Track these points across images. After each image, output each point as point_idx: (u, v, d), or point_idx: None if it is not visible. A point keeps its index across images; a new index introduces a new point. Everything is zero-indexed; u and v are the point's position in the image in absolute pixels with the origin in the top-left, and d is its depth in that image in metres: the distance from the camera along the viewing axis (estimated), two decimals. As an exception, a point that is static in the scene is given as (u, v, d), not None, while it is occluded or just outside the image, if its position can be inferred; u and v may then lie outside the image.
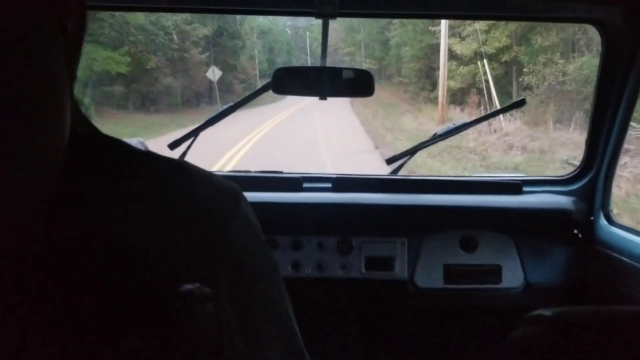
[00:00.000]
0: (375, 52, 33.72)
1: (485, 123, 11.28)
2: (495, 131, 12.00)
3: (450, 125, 1.83)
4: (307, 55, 57.80)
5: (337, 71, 1.66)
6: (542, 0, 1.46)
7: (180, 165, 0.60)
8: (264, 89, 1.72)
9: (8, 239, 0.46)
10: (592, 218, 1.73)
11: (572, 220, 1.73)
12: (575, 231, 1.73)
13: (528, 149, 10.68)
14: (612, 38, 1.58)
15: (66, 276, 0.48)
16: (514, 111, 11.42)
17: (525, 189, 1.85)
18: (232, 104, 1.79)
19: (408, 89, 26.14)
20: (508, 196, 1.81)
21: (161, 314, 0.50)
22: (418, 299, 1.76)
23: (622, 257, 1.56)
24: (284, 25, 51.62)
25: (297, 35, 59.74)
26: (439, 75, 17.73)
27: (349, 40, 38.15)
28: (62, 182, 0.49)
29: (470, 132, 12.13)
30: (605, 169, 1.71)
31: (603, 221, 1.70)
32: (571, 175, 1.86)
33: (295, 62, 54.34)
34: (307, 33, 56.49)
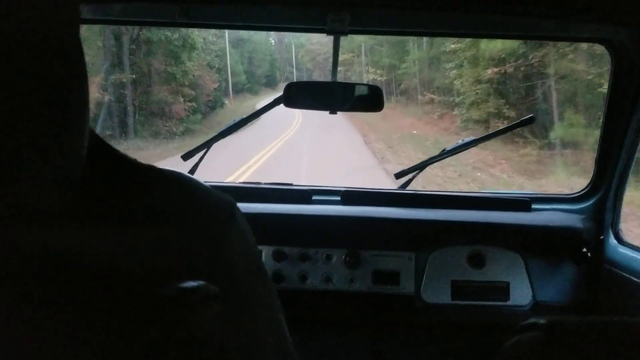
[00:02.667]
0: (382, 59, 26.22)
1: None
2: None
3: (459, 141, 1.84)
4: (292, 67, 54.61)
5: (347, 86, 1.70)
6: (551, 20, 1.48)
7: (180, 179, 0.62)
8: (275, 103, 1.76)
9: (17, 246, 0.47)
10: (601, 237, 1.73)
11: (581, 239, 1.72)
12: (584, 250, 1.72)
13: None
14: (622, 57, 1.60)
15: (69, 285, 0.49)
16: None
17: (534, 206, 1.85)
18: (244, 116, 1.82)
19: (446, 111, 17.90)
20: (517, 213, 1.81)
21: (165, 312, 0.51)
22: (425, 314, 1.75)
23: (632, 277, 1.55)
24: (267, 34, 46.86)
25: (281, 45, 56.02)
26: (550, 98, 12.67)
27: (345, 45, 29.56)
28: (74, 194, 0.51)
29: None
30: (614, 188, 1.71)
31: (612, 240, 1.69)
32: (580, 193, 1.86)
33: (280, 75, 51.51)
34: (293, 44, 53.05)
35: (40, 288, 0.48)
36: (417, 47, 21.56)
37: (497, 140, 11.78)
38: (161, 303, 0.51)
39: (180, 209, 0.58)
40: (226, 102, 29.02)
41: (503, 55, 14.12)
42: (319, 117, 18.02)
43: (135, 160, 0.61)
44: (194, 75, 19.72)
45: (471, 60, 15.51)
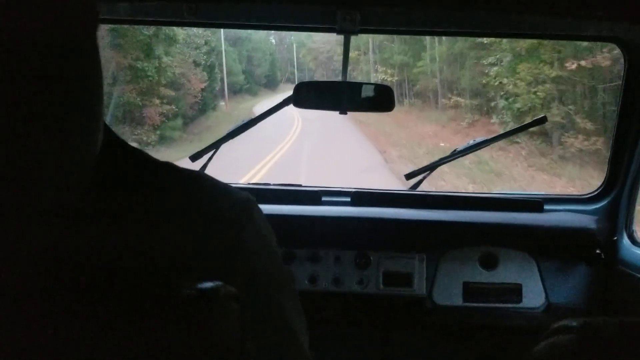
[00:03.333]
0: (393, 57, 22.64)
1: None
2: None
3: (470, 141, 1.82)
4: (293, 67, 52.65)
5: (357, 86, 1.68)
6: (562, 18, 1.46)
7: (197, 177, 0.62)
8: (285, 103, 1.74)
9: (33, 244, 0.47)
10: (615, 238, 1.71)
11: (594, 240, 1.70)
12: (598, 251, 1.70)
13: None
14: (635, 55, 1.58)
15: (87, 284, 0.48)
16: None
17: (546, 207, 1.83)
18: (253, 117, 1.80)
19: (478, 118, 14.92)
20: (529, 214, 1.79)
21: (185, 313, 0.50)
22: (436, 316, 1.73)
23: None
24: (267, 32, 42.30)
25: (282, 45, 53.57)
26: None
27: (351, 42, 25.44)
28: (89, 191, 0.51)
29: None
30: (628, 188, 1.69)
31: (626, 241, 1.67)
32: (594, 193, 1.84)
33: (280, 76, 49.51)
34: (294, 43, 50.38)
35: (57, 286, 0.48)
36: (438, 42, 18.16)
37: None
38: (180, 304, 0.50)
39: (196, 207, 0.58)
40: (222, 103, 26.90)
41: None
42: (323, 124, 16.44)
43: (151, 156, 0.61)
44: (174, 74, 16.70)
45: (529, 53, 11.63)
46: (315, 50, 40.07)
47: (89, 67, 0.50)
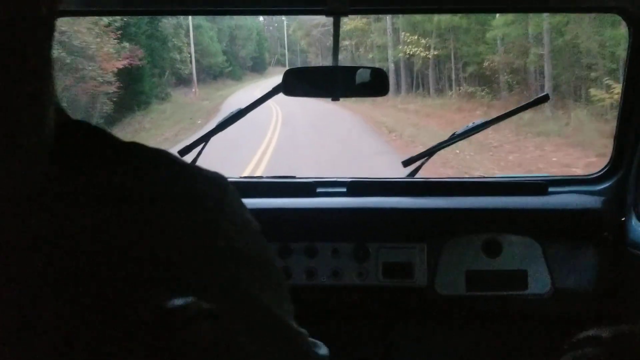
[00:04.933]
0: (429, 21, 15.89)
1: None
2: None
3: (469, 124, 1.76)
4: (284, 48, 49.14)
5: (350, 71, 1.62)
6: None
7: (165, 156, 0.56)
8: (274, 91, 1.67)
9: None
10: (622, 219, 1.65)
11: (601, 222, 1.66)
12: (606, 233, 1.65)
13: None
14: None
15: (45, 275, 0.44)
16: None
17: (550, 189, 1.77)
18: (241, 107, 1.73)
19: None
20: (533, 197, 1.74)
21: (148, 335, 0.45)
22: (439, 306, 1.70)
23: None
24: None
25: (271, 23, 48.82)
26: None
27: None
28: (48, 175, 0.47)
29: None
30: (636, 166, 1.63)
31: (635, 222, 1.62)
32: (599, 173, 1.78)
33: (269, 57, 46.09)
34: (285, 19, 45.31)
35: (17, 274, 0.44)
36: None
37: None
38: (138, 325, 0.45)
39: (168, 188, 0.52)
40: (192, 90, 22.61)
41: None
42: (311, 124, 14.19)
43: (114, 135, 0.55)
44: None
45: None
46: (308, 24, 34.87)
47: (34, 44, 0.45)
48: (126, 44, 14.88)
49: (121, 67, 14.10)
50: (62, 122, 0.51)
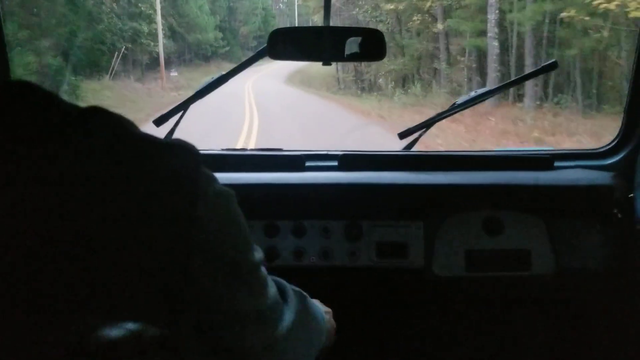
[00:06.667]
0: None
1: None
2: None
3: (471, 93, 1.66)
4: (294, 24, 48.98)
5: (342, 32, 1.52)
6: None
7: (130, 124, 0.45)
8: (259, 55, 1.58)
9: None
10: (632, 195, 1.57)
11: (609, 198, 1.57)
12: (615, 210, 1.57)
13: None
14: None
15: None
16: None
17: (556, 164, 1.69)
18: (223, 72, 1.61)
19: None
20: (537, 172, 1.65)
21: None
22: (436, 288, 1.62)
23: None
24: None
25: None
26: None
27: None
28: None
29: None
30: None
31: None
32: (608, 147, 1.71)
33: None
34: None
35: None
36: None
37: None
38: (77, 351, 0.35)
39: (132, 164, 0.42)
40: (167, 77, 16.95)
41: None
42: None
43: (67, 101, 0.44)
44: None
45: None
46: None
47: None
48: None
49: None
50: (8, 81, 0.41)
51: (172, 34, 20.24)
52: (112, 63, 15.45)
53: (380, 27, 15.62)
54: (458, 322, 1.74)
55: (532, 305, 1.66)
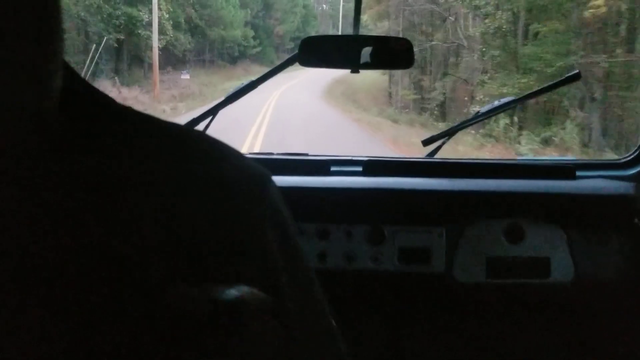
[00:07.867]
0: None
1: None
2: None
3: (495, 102, 1.67)
4: (337, 29, 38.50)
5: (372, 40, 1.53)
6: None
7: (198, 137, 0.47)
8: (290, 61, 1.60)
9: None
10: None
11: (631, 208, 1.58)
12: (636, 220, 1.58)
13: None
14: None
15: (45, 272, 0.34)
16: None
17: (578, 173, 1.70)
18: (253, 78, 1.65)
19: None
20: (559, 181, 1.66)
21: (186, 334, 0.35)
22: (457, 294, 1.63)
23: None
24: None
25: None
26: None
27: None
28: (55, 153, 0.37)
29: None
30: None
31: None
32: (630, 158, 1.71)
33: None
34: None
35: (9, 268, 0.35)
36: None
37: None
38: (180, 320, 0.35)
39: (198, 176, 0.43)
40: (167, 81, 13.75)
41: None
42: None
43: (129, 107, 0.45)
44: None
45: None
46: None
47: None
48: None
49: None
50: (69, 89, 0.41)
51: (189, 27, 16.79)
52: (89, 58, 11.54)
53: (487, 22, 11.86)
54: (478, 327, 1.74)
55: (550, 312, 1.67)
